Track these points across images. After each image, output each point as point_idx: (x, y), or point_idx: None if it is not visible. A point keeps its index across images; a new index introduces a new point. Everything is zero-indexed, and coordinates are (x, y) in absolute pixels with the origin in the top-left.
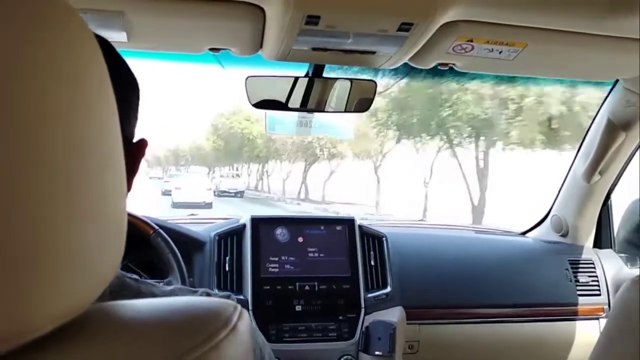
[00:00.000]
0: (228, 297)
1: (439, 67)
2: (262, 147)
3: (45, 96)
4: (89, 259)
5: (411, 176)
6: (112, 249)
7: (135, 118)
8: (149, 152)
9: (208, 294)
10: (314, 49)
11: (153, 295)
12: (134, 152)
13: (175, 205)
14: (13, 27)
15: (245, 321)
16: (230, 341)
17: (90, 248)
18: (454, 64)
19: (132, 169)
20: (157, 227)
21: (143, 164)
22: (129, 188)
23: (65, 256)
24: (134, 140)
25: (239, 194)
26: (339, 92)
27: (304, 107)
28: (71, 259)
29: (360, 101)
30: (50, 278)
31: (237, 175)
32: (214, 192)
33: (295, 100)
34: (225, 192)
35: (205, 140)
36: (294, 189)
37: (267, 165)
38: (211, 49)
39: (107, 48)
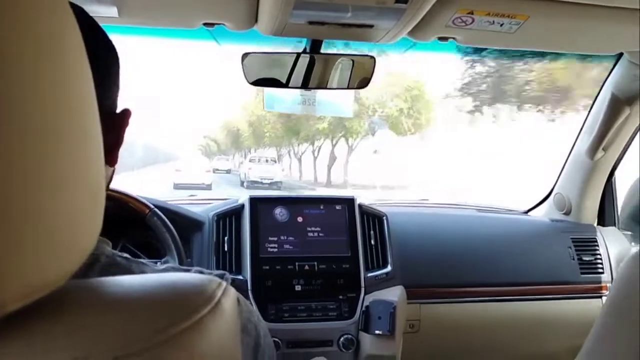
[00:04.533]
0: (223, 275)
1: (438, 41)
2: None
3: (19, 63)
4: (63, 232)
5: None
6: (89, 219)
7: (117, 86)
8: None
9: (201, 272)
10: (311, 23)
11: (143, 274)
12: (117, 123)
13: (176, 186)
14: None
15: (230, 298)
16: (213, 318)
17: (65, 217)
18: (454, 38)
19: (116, 141)
20: (153, 207)
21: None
22: (114, 160)
23: (36, 228)
24: (117, 111)
25: (274, 185)
26: (340, 69)
27: (305, 85)
28: (43, 232)
29: (361, 77)
30: (18, 252)
31: (273, 160)
32: (242, 182)
33: (297, 78)
34: (256, 182)
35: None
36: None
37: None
38: (205, 24)
39: (81, 16)
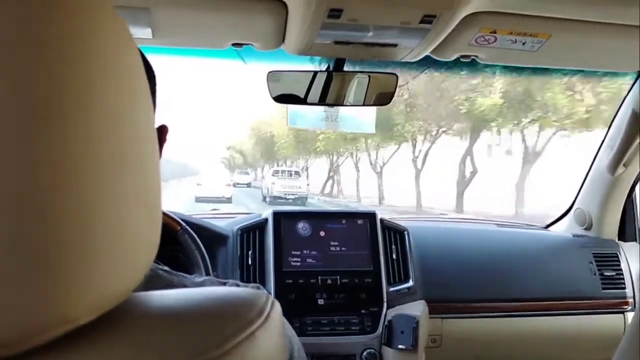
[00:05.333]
0: (258, 288)
1: (460, 59)
2: None
3: (90, 90)
4: (128, 247)
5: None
6: (149, 238)
7: (155, 104)
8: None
9: (238, 286)
10: (336, 43)
11: (184, 286)
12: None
13: (198, 199)
14: (64, 27)
15: (277, 311)
16: (265, 330)
17: (129, 236)
18: (476, 56)
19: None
20: (184, 224)
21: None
22: None
23: (105, 245)
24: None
25: (299, 201)
26: (357, 86)
27: (322, 101)
28: (111, 248)
29: (381, 94)
30: (90, 267)
31: (297, 173)
32: (265, 197)
33: (314, 95)
34: (279, 198)
35: None
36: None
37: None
38: (234, 44)
39: None
